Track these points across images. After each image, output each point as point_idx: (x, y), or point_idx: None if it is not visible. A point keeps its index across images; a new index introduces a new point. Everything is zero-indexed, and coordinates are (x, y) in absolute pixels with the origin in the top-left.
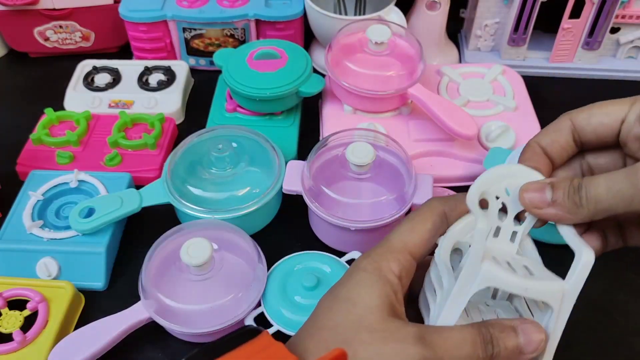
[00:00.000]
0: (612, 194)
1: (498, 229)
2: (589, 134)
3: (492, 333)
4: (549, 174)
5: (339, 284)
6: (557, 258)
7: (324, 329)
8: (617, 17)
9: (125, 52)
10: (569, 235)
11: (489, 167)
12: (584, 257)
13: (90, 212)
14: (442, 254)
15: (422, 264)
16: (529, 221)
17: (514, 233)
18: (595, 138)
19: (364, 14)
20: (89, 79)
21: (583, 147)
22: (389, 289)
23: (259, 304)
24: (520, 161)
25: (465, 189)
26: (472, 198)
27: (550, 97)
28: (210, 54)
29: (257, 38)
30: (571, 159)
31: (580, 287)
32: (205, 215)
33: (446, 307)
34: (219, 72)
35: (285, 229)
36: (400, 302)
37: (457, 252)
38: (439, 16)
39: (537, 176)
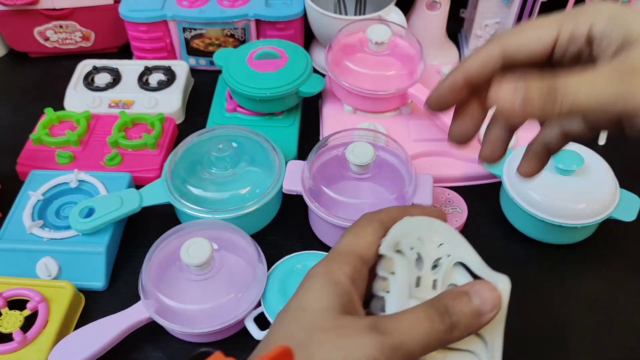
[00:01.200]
0: (593, 95)
1: (419, 279)
2: (519, 61)
3: (445, 303)
4: (459, 101)
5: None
6: (557, 258)
7: (278, 340)
8: None
9: (125, 52)
10: (478, 268)
11: (488, 167)
12: (501, 286)
13: (90, 212)
14: (385, 246)
15: (373, 272)
16: (446, 266)
17: (435, 281)
18: (526, 62)
19: (364, 14)
20: (89, 79)
21: (509, 67)
22: (340, 290)
23: (259, 304)
24: (437, 86)
25: (465, 189)
26: (386, 249)
27: None
28: (210, 54)
29: (257, 38)
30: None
31: (505, 315)
32: (205, 215)
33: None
34: (219, 72)
35: (285, 229)
36: (355, 302)
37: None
38: (439, 16)
39: (440, 226)
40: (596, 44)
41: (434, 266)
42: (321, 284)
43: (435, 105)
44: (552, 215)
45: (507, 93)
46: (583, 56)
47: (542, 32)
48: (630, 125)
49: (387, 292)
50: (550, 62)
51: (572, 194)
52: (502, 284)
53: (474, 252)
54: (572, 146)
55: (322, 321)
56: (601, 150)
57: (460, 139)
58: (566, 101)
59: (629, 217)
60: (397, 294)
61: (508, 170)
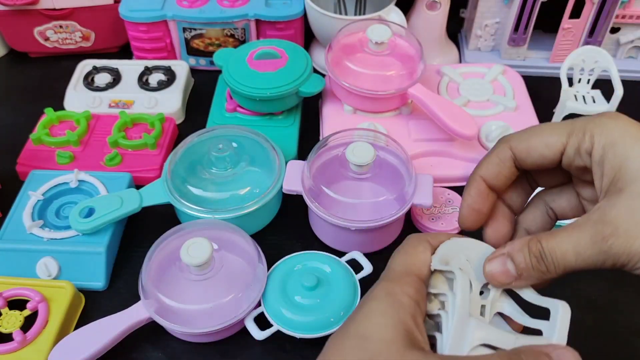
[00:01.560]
0: (581, 259)
1: None
2: (530, 165)
3: None
4: (491, 206)
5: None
6: None
7: None
8: (617, 17)
9: (125, 52)
10: (532, 297)
11: None
12: (562, 310)
13: (90, 212)
14: (438, 263)
15: None
16: (494, 293)
17: (483, 306)
18: (537, 167)
19: (364, 14)
20: (89, 79)
21: (526, 171)
22: (406, 314)
23: (259, 304)
24: (466, 199)
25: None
26: (441, 265)
27: (550, 97)
28: (210, 54)
29: (257, 38)
30: (521, 181)
31: (566, 337)
32: (205, 215)
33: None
34: (219, 72)
35: (285, 229)
36: (421, 327)
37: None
38: (439, 16)
39: (486, 249)
40: (593, 170)
41: (481, 292)
42: (384, 308)
43: (473, 221)
44: None
45: (499, 269)
46: (589, 169)
47: (550, 140)
48: (630, 271)
49: (442, 309)
50: (562, 166)
51: None
52: (562, 310)
53: None
54: None
55: (386, 355)
56: None
57: (501, 240)
58: (557, 266)
59: None
60: (457, 311)
61: None
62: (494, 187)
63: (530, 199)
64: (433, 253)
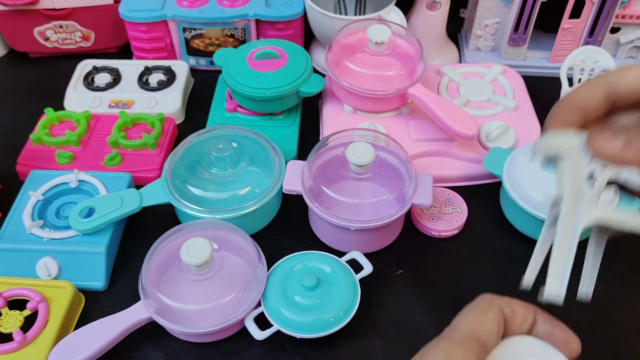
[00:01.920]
0: None
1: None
2: (621, 97)
3: None
4: (581, 126)
5: None
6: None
7: None
8: (617, 17)
9: (125, 52)
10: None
11: (489, 167)
12: None
13: (90, 212)
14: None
15: None
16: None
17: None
18: (629, 96)
19: (364, 14)
20: (89, 79)
21: (614, 107)
22: None
23: (259, 304)
24: (556, 113)
25: (465, 189)
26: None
27: (550, 97)
28: (210, 54)
29: (257, 38)
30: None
31: None
32: (205, 215)
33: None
34: (219, 72)
35: (285, 229)
36: None
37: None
38: (439, 16)
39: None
40: None
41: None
42: None
43: (558, 120)
44: None
45: (604, 136)
46: None
47: None
48: None
49: None
50: None
51: None
52: None
53: None
54: None
55: None
56: None
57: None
58: None
59: None
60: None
61: (508, 170)
62: (585, 110)
63: None
64: (504, 322)
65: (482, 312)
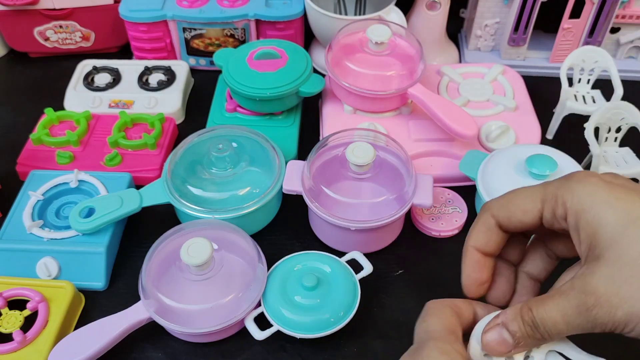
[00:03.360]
0: (571, 327)
1: None
2: (513, 229)
3: None
4: (491, 271)
5: None
6: None
7: None
8: (617, 17)
9: (125, 52)
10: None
11: (464, 170)
12: None
13: (90, 212)
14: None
15: None
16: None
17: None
18: (521, 230)
19: (364, 14)
20: (89, 79)
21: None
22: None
23: (259, 304)
24: (464, 270)
25: (465, 189)
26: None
27: (550, 97)
28: (210, 54)
29: (257, 38)
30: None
31: None
32: (205, 215)
33: None
34: (219, 72)
35: (285, 229)
36: None
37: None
38: (439, 16)
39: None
40: (571, 235)
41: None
42: None
43: (476, 291)
44: None
45: (496, 339)
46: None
47: (527, 207)
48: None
49: None
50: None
51: None
52: None
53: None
54: (545, 150)
55: None
56: (574, 154)
57: (502, 299)
58: (551, 334)
59: None
60: None
61: (483, 175)
62: (488, 253)
63: (529, 243)
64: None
65: (440, 311)
